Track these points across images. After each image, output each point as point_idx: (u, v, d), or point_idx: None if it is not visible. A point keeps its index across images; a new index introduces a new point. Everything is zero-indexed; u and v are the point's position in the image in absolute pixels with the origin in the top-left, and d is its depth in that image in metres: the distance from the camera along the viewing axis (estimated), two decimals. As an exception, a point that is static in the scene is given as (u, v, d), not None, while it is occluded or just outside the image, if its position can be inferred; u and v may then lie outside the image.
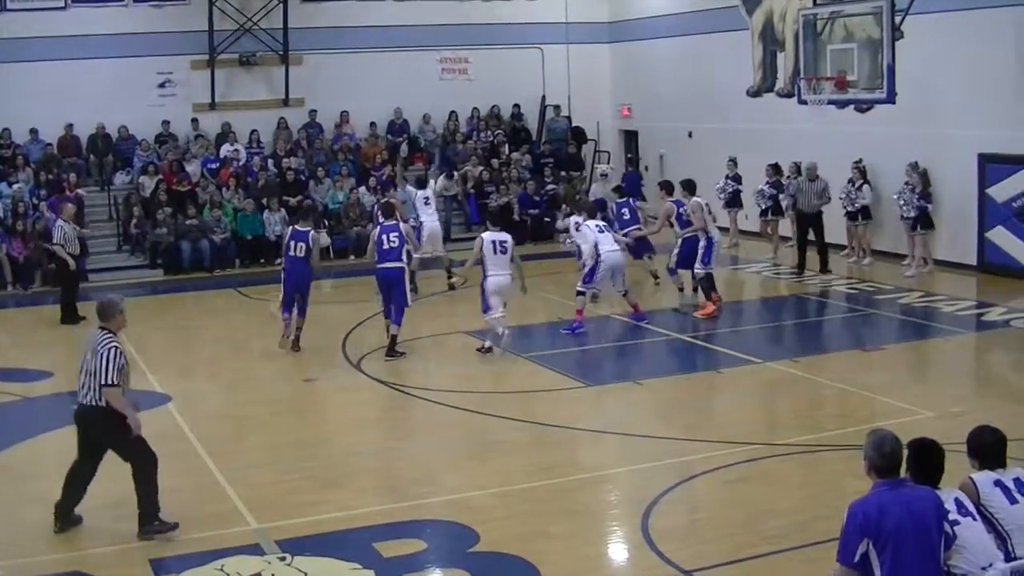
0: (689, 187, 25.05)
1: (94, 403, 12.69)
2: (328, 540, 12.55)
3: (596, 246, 22.78)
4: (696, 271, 24.26)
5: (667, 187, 25.86)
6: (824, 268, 28.53)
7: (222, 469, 15.08)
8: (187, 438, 16.61)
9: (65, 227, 25.58)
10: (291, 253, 21.52)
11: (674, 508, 13.50)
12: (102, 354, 12.54)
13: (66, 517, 13.03)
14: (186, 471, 15.10)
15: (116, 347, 12.62)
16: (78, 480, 13.09)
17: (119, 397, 12.63)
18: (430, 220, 27.59)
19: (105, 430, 12.79)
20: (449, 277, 27.68)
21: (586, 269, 23.10)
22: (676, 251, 24.87)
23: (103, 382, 12.53)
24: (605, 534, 13.14)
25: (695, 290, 24.91)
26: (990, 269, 27.08)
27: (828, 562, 8.49)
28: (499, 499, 13.84)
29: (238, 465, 15.26)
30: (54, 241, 25.67)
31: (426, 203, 27.33)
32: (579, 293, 22.97)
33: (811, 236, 28.99)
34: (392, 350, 21.06)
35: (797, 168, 30.06)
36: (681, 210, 24.71)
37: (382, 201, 25.17)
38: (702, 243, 24.08)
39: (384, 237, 21.17)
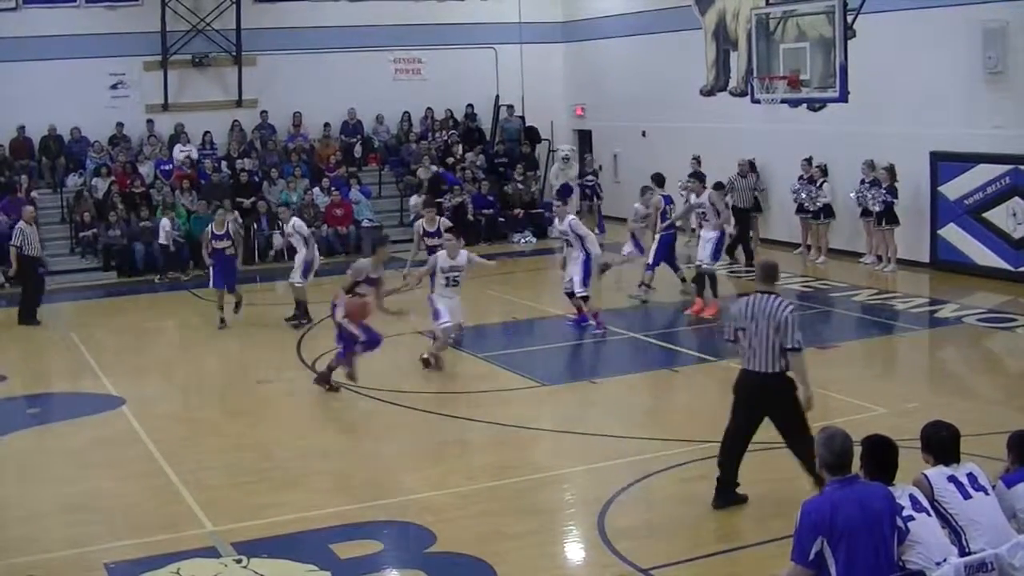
0: (701, 178, 25.45)
1: (774, 369, 12.56)
2: (284, 542, 12.50)
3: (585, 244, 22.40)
4: (706, 266, 23.86)
5: (659, 180, 26.24)
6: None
7: (177, 472, 15.01)
8: (142, 441, 16.53)
9: (26, 229, 25.73)
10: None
11: (630, 506, 13.53)
12: (785, 317, 12.41)
13: (727, 493, 13.03)
14: (141, 474, 15.06)
15: (794, 308, 12.59)
16: (737, 452, 13.02)
17: (804, 361, 12.64)
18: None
19: (781, 396, 12.66)
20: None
21: (580, 272, 22.33)
22: (655, 248, 25.09)
23: (789, 345, 12.40)
24: (562, 533, 13.16)
25: (694, 282, 24.83)
26: (943, 266, 27.25)
27: (783, 559, 8.53)
28: (456, 499, 13.84)
29: (193, 468, 15.20)
30: (11, 243, 25.83)
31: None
32: (585, 299, 22.47)
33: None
34: None
35: (751, 166, 31.07)
36: (668, 207, 25.05)
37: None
38: (715, 235, 23.98)
39: None
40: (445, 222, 23.07)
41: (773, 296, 12.65)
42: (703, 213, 24.08)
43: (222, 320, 24.24)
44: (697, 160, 32.45)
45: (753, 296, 12.73)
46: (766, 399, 12.70)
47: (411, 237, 24.27)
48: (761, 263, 13.53)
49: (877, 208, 27.37)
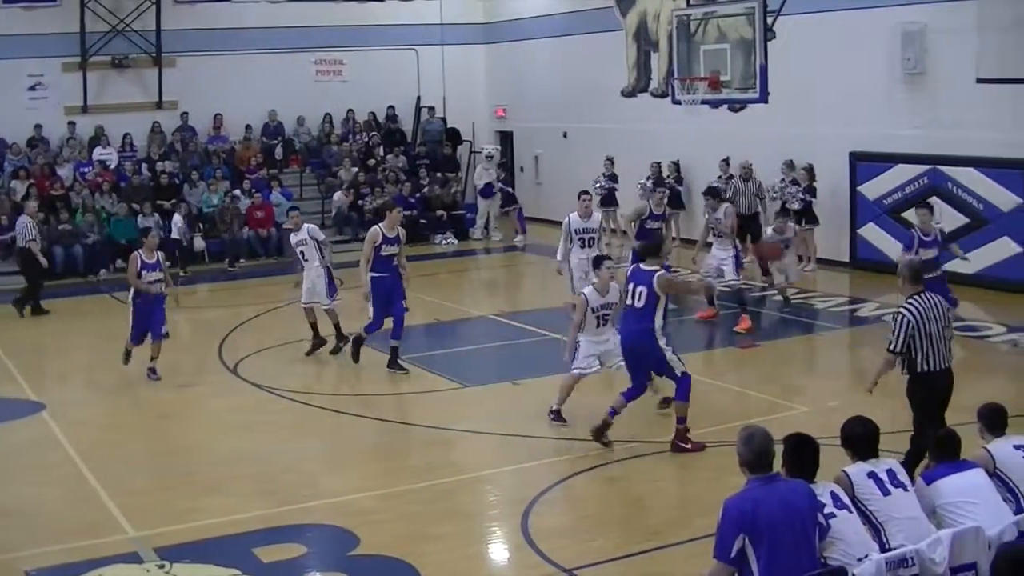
0: (716, 194, 23.47)
1: (951, 363, 12.74)
2: (207, 546, 12.44)
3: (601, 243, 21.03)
4: (733, 282, 22.69)
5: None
6: (766, 273, 25.79)
7: (98, 477, 14.88)
8: (62, 446, 16.38)
9: (32, 223, 26.96)
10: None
11: (554, 507, 13.58)
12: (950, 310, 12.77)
13: None
14: (61, 480, 14.94)
15: None
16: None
17: None
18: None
19: (951, 389, 12.81)
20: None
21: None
22: None
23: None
24: (486, 534, 13.19)
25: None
26: (862, 265, 27.49)
27: (707, 557, 8.56)
28: (379, 502, 13.82)
29: (115, 473, 15.08)
30: (29, 239, 26.60)
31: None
32: None
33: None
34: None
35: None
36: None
37: None
38: (733, 253, 22.57)
39: None
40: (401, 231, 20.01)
41: (929, 294, 12.75)
42: (718, 230, 22.58)
43: (128, 354, 20.32)
44: (611, 161, 32.69)
45: (916, 299, 12.62)
46: (944, 393, 12.77)
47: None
48: (909, 264, 13.28)
49: (796, 206, 27.51)
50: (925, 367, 12.57)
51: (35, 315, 26.49)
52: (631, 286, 15.34)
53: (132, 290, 19.93)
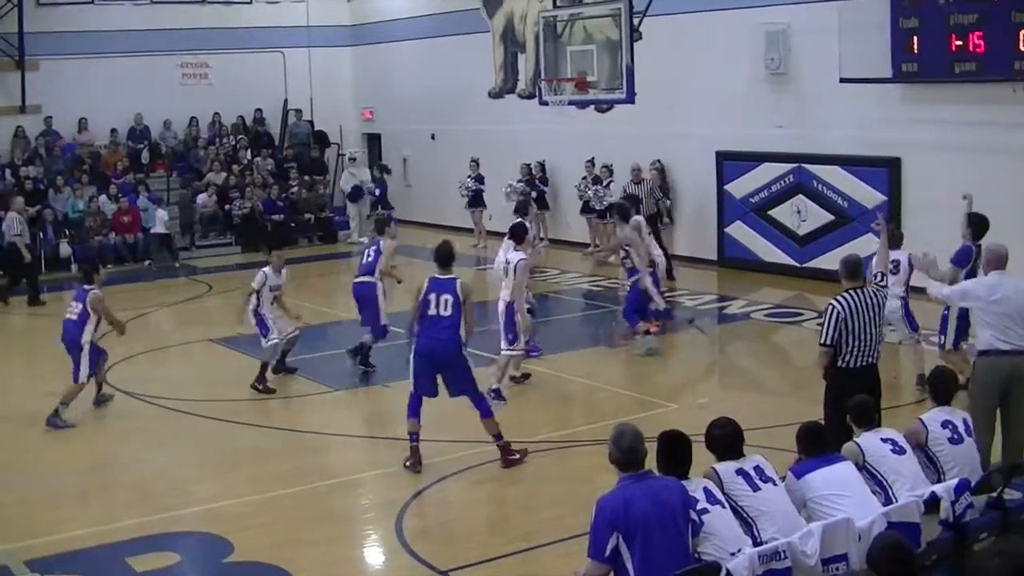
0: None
1: (876, 360, 12.52)
2: (79, 557, 12.29)
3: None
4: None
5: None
6: (669, 275, 25.37)
7: (-36, 489, 14.68)
8: (-75, 458, 16.13)
9: (20, 219, 28.45)
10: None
11: (427, 509, 13.61)
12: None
13: None
14: (-74, 492, 14.70)
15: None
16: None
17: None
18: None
19: (878, 386, 12.42)
20: None
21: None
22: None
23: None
24: (359, 538, 13.15)
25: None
26: (729, 263, 27.78)
27: (582, 556, 8.61)
28: (252, 507, 13.72)
29: (-19, 484, 14.88)
30: (14, 234, 27.97)
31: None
32: None
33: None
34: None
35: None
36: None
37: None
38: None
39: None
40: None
41: (867, 290, 12.53)
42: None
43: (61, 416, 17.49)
44: (476, 163, 32.83)
45: (849, 294, 12.38)
46: (867, 391, 11.98)
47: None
48: (846, 260, 12.89)
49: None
50: (843, 363, 12.39)
51: (31, 306, 27.49)
52: (434, 295, 14.70)
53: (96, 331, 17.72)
